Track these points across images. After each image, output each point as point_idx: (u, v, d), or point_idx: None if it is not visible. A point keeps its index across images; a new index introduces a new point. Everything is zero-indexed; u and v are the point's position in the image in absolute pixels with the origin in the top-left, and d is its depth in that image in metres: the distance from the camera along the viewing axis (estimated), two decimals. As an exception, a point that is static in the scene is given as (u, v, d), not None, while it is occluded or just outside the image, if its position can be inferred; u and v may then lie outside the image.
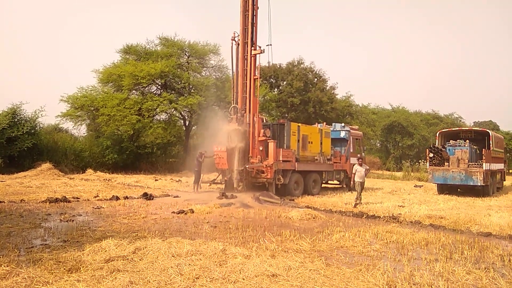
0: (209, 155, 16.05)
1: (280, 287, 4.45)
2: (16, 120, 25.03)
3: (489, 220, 10.11)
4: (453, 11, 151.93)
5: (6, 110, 25.26)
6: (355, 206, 12.39)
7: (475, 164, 17.16)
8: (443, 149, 17.81)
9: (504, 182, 22.43)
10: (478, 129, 21.64)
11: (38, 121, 26.71)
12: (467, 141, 18.35)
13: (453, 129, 22.73)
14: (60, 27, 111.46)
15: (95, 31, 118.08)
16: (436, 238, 7.59)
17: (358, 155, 14.52)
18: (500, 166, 19.98)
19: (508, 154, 27.10)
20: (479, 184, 16.42)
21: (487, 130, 19.62)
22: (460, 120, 59.78)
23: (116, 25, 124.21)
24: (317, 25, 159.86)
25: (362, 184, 13.04)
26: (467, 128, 24.66)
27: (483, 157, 16.84)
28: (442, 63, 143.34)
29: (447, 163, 17.29)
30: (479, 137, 19.28)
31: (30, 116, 26.08)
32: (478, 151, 18.54)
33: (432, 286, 4.67)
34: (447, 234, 8.12)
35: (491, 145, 17.99)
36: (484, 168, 16.42)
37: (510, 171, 37.41)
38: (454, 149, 17.81)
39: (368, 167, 14.18)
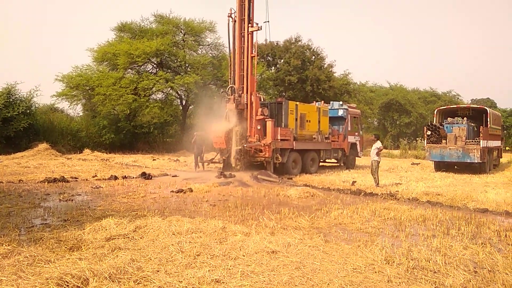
0: (201, 136, 16.39)
1: (280, 263, 4.49)
2: (11, 100, 24.83)
3: (486, 196, 10.21)
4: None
5: (1, 90, 25.02)
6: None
7: (472, 141, 17.22)
8: (440, 126, 17.83)
9: (500, 159, 22.59)
10: (476, 106, 21.64)
11: (33, 101, 26.62)
12: (465, 118, 18.37)
13: (451, 106, 22.71)
14: (52, 4, 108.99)
15: (89, 8, 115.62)
16: (433, 215, 7.66)
17: (374, 134, 13.47)
18: (497, 143, 20.07)
19: (505, 131, 27.18)
20: (476, 161, 16.53)
21: (485, 108, 19.62)
22: (458, 98, 59.73)
23: (110, 1, 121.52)
24: (313, 1, 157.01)
25: (373, 163, 12.25)
26: (465, 106, 24.63)
27: (481, 134, 16.89)
28: (440, 41, 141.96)
29: (445, 141, 17.34)
30: (476, 115, 19.29)
31: (25, 96, 25.96)
32: (475, 129, 18.58)
33: (430, 261, 4.73)
34: (444, 211, 8.20)
35: (488, 123, 18.00)
36: (481, 145, 16.49)
37: (507, 148, 37.71)
38: (452, 127, 17.83)
39: (378, 146, 12.40)
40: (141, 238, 5.48)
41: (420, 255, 4.94)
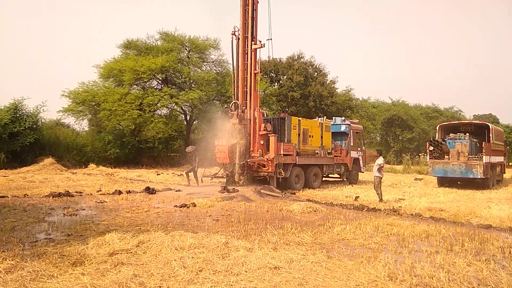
0: (191, 150, 16.87)
1: (282, 279, 4.49)
2: (18, 115, 25.05)
3: (489, 212, 10.16)
4: (453, 6, 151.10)
5: (8, 105, 25.28)
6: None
7: (475, 157, 17.19)
8: (443, 142, 17.83)
9: (504, 174, 22.46)
10: (478, 122, 21.63)
11: (40, 116, 26.82)
12: (467, 134, 18.36)
13: (453, 122, 22.72)
14: (61, 22, 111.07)
15: (96, 25, 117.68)
16: (436, 231, 7.63)
17: (377, 150, 13.65)
18: (500, 159, 20.00)
19: (508, 147, 27.08)
20: (479, 177, 16.46)
21: (487, 123, 19.62)
22: (460, 113, 59.68)
23: (117, 19, 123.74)
24: (316, 19, 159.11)
25: (375, 179, 12.41)
26: (467, 121, 24.65)
27: (483, 150, 16.87)
28: (441, 56, 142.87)
29: (447, 156, 17.32)
30: (479, 130, 19.28)
31: (32, 111, 26.14)
32: (478, 144, 18.55)
33: (433, 278, 4.71)
34: (448, 227, 8.16)
35: (491, 138, 18.00)
36: (484, 161, 16.45)
37: (510, 163, 37.46)
38: (454, 142, 17.82)
39: (380, 162, 12.49)
40: (144, 253, 5.51)
41: (424, 272, 4.93)
